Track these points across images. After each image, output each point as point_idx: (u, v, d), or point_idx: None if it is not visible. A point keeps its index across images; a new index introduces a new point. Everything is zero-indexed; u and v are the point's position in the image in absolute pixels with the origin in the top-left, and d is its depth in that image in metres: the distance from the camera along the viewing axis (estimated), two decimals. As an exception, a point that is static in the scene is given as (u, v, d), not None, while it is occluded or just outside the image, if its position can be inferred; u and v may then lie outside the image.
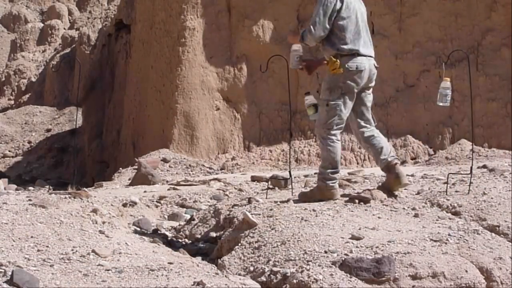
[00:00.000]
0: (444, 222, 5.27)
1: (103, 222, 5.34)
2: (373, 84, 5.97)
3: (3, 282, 3.68)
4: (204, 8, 17.11)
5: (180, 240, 6.15)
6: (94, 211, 5.67)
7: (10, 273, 3.76)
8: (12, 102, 38.82)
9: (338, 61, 5.71)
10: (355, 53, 5.76)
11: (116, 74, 23.00)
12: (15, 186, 14.38)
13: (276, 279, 4.25)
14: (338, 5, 5.72)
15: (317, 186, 5.88)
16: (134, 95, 19.11)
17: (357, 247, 4.51)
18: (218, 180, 11.52)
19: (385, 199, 5.88)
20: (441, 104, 6.08)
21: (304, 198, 5.83)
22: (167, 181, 12.47)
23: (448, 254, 4.43)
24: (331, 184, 5.79)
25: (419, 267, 4.21)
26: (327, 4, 5.71)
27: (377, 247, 4.46)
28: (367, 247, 4.48)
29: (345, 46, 5.74)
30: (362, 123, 5.94)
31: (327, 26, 5.71)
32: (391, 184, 5.92)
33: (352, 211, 5.45)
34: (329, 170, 5.77)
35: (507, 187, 6.21)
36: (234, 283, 4.06)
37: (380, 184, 6.30)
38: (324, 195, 5.78)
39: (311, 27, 5.73)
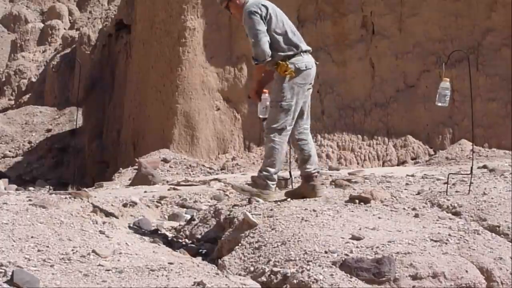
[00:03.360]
0: (445, 222, 5.28)
1: (103, 222, 5.34)
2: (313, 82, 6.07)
3: (4, 283, 3.68)
4: (204, 8, 17.11)
5: (180, 240, 6.15)
6: (95, 211, 5.68)
7: (10, 273, 3.76)
8: (12, 102, 38.81)
9: (287, 63, 5.78)
10: (300, 52, 5.86)
11: (116, 74, 23.00)
12: (15, 186, 14.38)
13: (276, 279, 4.25)
14: (264, 12, 5.83)
15: (255, 182, 5.94)
16: (134, 95, 19.11)
17: (357, 247, 4.51)
18: (219, 180, 11.52)
19: (385, 199, 5.89)
20: (440, 104, 6.10)
21: (240, 190, 5.96)
22: (167, 181, 12.47)
23: (448, 254, 4.43)
24: (271, 185, 5.88)
25: (419, 267, 4.21)
26: (254, 16, 5.81)
27: (377, 247, 4.46)
28: (367, 247, 4.48)
29: (291, 45, 5.84)
30: (301, 122, 6.01)
31: (265, 31, 5.80)
32: (306, 194, 6.00)
33: (352, 211, 5.45)
34: (272, 170, 5.83)
35: (507, 187, 6.22)
36: (235, 283, 4.06)
37: (292, 188, 6.34)
38: (261, 193, 5.84)
39: (254, 42, 5.80)
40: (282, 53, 5.83)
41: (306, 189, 6.01)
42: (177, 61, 16.96)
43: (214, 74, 17.13)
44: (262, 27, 5.79)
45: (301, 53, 5.88)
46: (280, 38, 5.84)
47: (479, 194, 5.95)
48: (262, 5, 5.88)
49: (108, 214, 6.00)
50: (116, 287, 3.85)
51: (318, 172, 6.09)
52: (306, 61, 5.89)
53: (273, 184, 5.89)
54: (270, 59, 5.81)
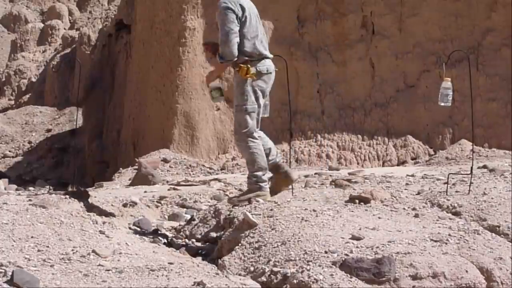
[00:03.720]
0: (445, 222, 5.28)
1: (103, 222, 5.34)
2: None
3: (4, 283, 3.68)
4: (204, 8, 17.10)
5: (180, 240, 6.15)
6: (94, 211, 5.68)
7: (10, 273, 3.76)
8: (12, 102, 38.81)
9: (249, 66, 5.80)
10: (263, 58, 5.89)
11: (116, 74, 23.00)
12: (15, 186, 14.36)
13: (276, 279, 4.25)
14: (240, 12, 5.79)
15: (249, 189, 5.95)
16: (134, 95, 19.11)
17: (357, 247, 4.51)
18: (219, 180, 11.52)
19: (385, 199, 5.90)
20: (442, 104, 6.12)
21: (237, 202, 5.92)
22: (167, 181, 12.46)
23: (448, 254, 4.43)
24: (265, 186, 5.89)
25: (419, 267, 4.21)
26: (229, 13, 5.78)
27: (377, 247, 4.46)
28: (367, 247, 4.48)
29: (255, 51, 5.85)
30: None
31: (237, 31, 5.78)
32: (283, 183, 6.04)
33: (352, 211, 5.45)
34: (260, 173, 5.85)
35: (507, 187, 6.23)
36: (235, 283, 4.06)
37: (273, 186, 6.32)
38: (258, 196, 5.86)
39: (224, 40, 5.79)
40: (245, 57, 5.84)
41: (280, 179, 6.03)
42: (177, 61, 16.96)
43: (214, 74, 17.12)
44: (235, 27, 5.77)
45: (264, 58, 5.91)
46: (247, 43, 5.84)
47: (479, 194, 5.95)
48: (240, 4, 5.83)
49: (106, 214, 6.00)
50: (116, 287, 3.85)
51: (282, 158, 6.13)
52: (268, 64, 5.93)
53: (265, 185, 5.90)
54: (236, 59, 5.82)
